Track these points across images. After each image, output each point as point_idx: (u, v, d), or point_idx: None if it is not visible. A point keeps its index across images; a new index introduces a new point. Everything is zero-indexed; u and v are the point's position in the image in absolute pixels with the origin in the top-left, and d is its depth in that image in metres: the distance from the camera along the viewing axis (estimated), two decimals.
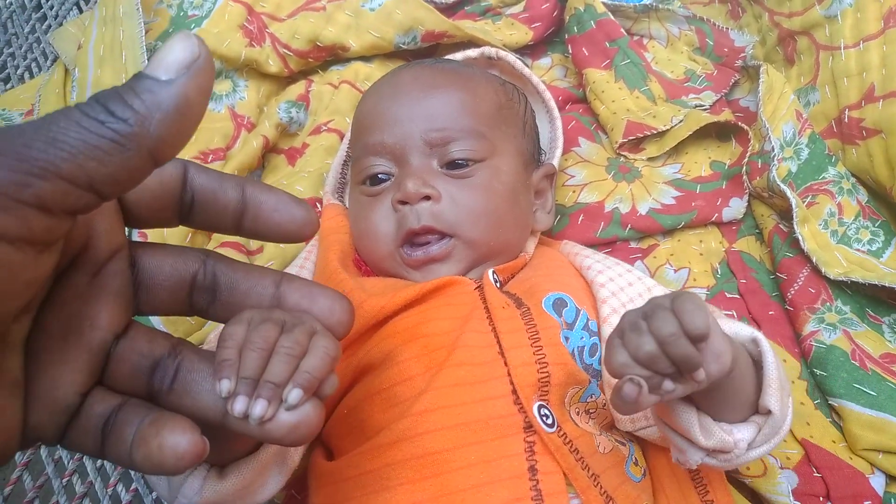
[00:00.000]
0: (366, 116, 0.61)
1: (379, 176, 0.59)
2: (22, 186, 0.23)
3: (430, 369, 0.48)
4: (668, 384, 0.37)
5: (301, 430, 0.30)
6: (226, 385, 0.29)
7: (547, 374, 0.47)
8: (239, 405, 0.28)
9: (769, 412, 0.42)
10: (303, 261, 0.63)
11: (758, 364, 0.43)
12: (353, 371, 0.51)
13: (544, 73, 0.87)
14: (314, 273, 0.62)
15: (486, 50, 0.72)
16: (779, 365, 0.43)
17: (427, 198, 0.55)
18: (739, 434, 0.42)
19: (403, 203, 0.56)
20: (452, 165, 0.57)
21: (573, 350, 0.50)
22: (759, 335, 0.44)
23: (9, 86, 0.81)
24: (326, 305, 0.33)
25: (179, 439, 0.28)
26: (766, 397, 0.42)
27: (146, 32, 0.72)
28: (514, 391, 0.46)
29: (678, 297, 0.38)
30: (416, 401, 0.46)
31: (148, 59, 0.69)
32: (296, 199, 0.32)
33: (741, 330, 0.45)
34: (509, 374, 0.47)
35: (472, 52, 0.72)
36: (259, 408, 0.28)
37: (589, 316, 0.53)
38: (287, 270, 0.61)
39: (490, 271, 0.55)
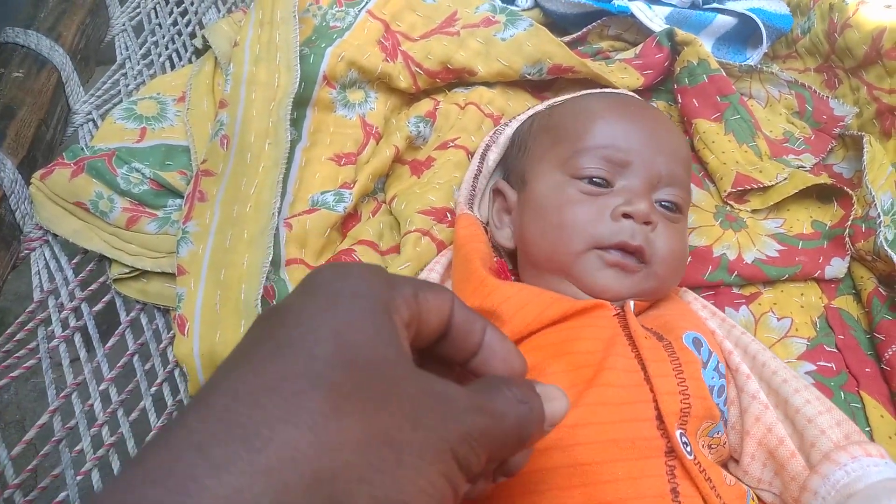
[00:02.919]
0: (602, 122, 0.64)
1: (595, 179, 0.61)
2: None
3: (576, 385, 0.51)
4: None
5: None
6: None
7: (688, 406, 0.50)
8: None
9: None
10: (427, 272, 0.66)
11: None
12: None
13: None
14: (446, 279, 0.65)
15: (623, 91, 0.76)
16: None
17: (648, 223, 0.59)
18: None
19: (627, 217, 0.59)
20: (666, 207, 0.62)
21: (708, 387, 0.53)
22: None
23: (152, 71, 0.85)
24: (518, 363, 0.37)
25: None
26: None
27: None
28: (659, 416, 0.49)
29: None
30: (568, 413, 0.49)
31: (300, 62, 0.74)
32: (518, 353, 0.37)
33: None
34: (655, 400, 0.50)
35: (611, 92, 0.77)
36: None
37: (719, 359, 0.57)
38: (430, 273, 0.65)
39: (631, 301, 0.58)
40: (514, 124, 0.73)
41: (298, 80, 0.74)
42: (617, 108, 0.66)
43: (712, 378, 0.55)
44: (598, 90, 0.73)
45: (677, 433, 0.49)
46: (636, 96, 0.72)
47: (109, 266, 0.69)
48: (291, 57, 0.75)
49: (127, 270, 0.68)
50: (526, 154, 0.69)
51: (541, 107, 0.73)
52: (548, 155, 0.65)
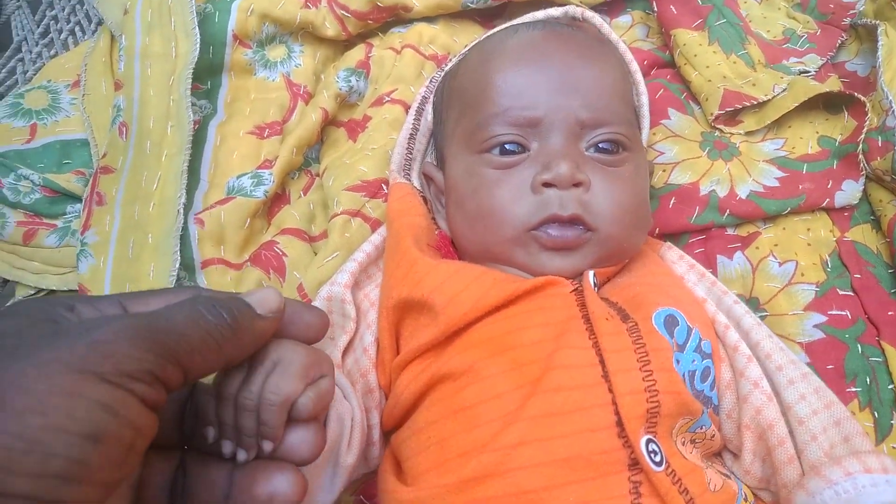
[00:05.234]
0: (500, 78, 0.53)
1: (506, 146, 0.52)
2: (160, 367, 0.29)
3: (520, 387, 0.43)
4: None
5: (297, 455, 0.37)
6: (211, 433, 0.36)
7: (657, 404, 0.41)
8: (227, 448, 0.36)
9: None
10: (352, 261, 0.54)
11: None
12: (429, 379, 0.46)
13: (624, 33, 0.79)
14: (375, 264, 0.57)
15: (571, 9, 0.64)
16: None
17: (578, 184, 0.49)
18: None
19: (549, 185, 0.49)
20: (602, 151, 0.52)
21: (684, 375, 0.44)
22: None
23: (52, 52, 0.76)
24: None
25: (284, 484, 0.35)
26: None
27: None
28: (619, 422, 0.41)
29: None
30: (506, 429, 0.41)
31: (198, 25, 0.64)
32: None
33: None
34: (614, 403, 0.41)
35: (555, 12, 0.64)
36: (242, 455, 0.36)
37: (701, 335, 0.47)
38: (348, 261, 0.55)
39: (591, 272, 0.49)
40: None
41: (199, 45, 0.64)
42: (516, 53, 0.55)
43: (692, 361, 0.46)
44: (505, 25, 0.61)
45: (643, 440, 0.41)
46: (553, 27, 0.59)
47: (16, 289, 0.62)
48: (188, 20, 0.64)
49: (33, 291, 0.61)
50: (442, 127, 0.59)
51: (455, 59, 0.63)
52: (457, 130, 0.56)
